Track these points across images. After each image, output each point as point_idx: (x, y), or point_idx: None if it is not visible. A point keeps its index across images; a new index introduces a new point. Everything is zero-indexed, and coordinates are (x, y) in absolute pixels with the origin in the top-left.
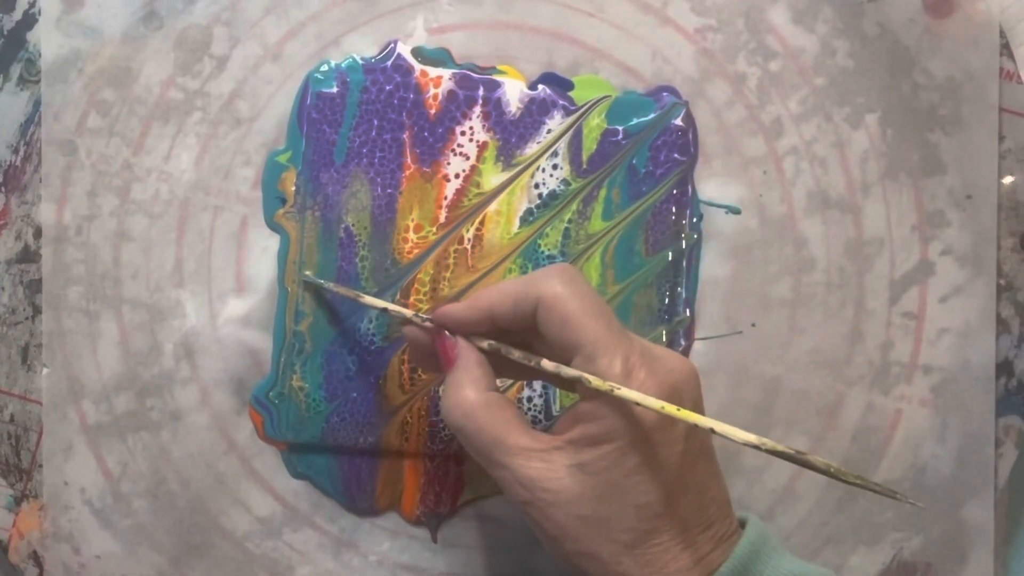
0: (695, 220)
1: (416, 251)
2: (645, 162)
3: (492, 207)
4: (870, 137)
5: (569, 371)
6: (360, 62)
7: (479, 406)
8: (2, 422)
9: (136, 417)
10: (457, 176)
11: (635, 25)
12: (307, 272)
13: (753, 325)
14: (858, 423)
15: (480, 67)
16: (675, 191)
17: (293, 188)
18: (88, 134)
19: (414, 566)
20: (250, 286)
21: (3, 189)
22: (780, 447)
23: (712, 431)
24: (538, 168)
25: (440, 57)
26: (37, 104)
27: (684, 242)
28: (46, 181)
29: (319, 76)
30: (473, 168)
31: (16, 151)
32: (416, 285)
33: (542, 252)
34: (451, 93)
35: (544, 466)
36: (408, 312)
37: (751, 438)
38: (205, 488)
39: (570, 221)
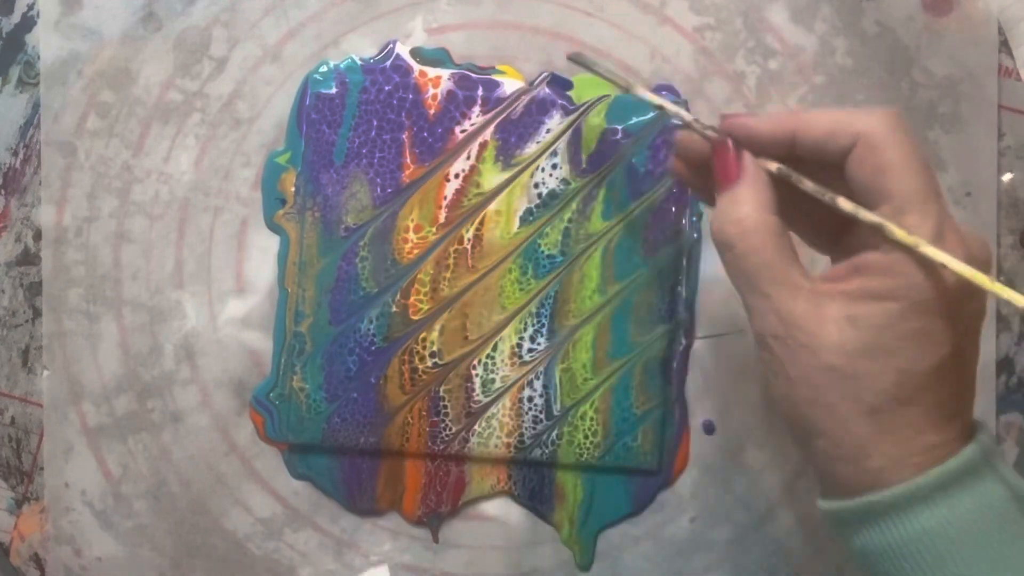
0: (694, 219)
1: (416, 251)
2: (644, 161)
3: (492, 207)
4: None
5: (870, 215)
6: (359, 63)
7: (759, 226)
8: (3, 424)
9: (137, 418)
10: (457, 176)
11: (634, 24)
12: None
13: None
14: None
15: (479, 67)
16: (674, 190)
17: (293, 189)
18: (87, 136)
19: (415, 566)
20: (250, 287)
21: (3, 191)
22: None
23: None
24: (538, 168)
25: (439, 57)
26: (36, 106)
27: (684, 241)
28: (46, 183)
29: (318, 77)
30: (473, 168)
31: (15, 153)
32: (416, 285)
33: (542, 252)
34: (450, 93)
35: (811, 307)
36: (688, 116)
37: None
38: (206, 489)
39: (570, 220)
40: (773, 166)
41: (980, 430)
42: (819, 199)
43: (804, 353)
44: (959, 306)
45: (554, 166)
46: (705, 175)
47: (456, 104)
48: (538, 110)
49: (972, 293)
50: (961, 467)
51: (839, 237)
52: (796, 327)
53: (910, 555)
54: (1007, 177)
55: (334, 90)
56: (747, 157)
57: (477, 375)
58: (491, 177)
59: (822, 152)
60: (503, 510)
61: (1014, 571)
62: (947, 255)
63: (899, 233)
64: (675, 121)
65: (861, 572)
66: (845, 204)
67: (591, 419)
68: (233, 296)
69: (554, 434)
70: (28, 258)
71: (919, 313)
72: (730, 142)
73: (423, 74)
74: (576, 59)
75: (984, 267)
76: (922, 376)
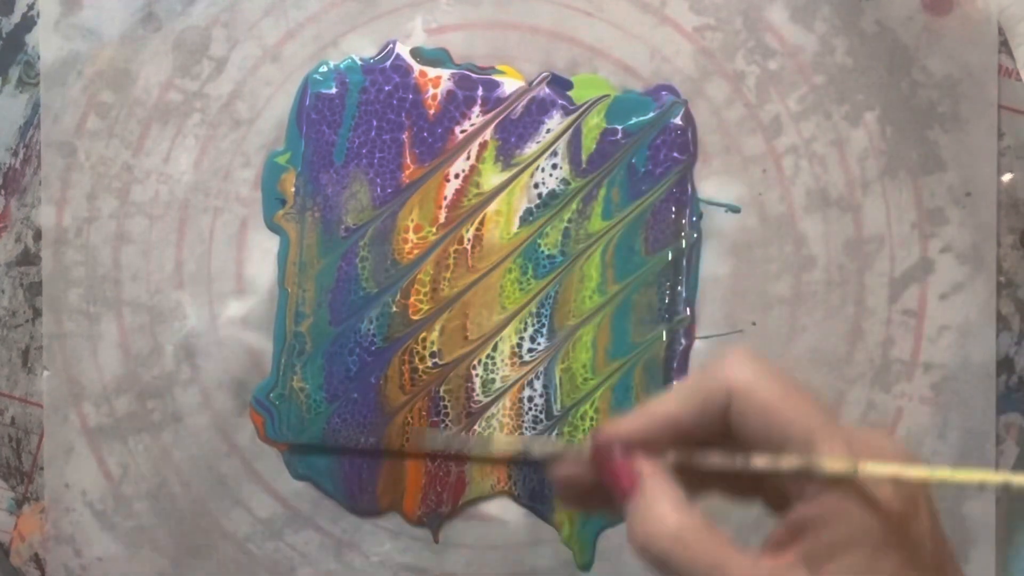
0: (695, 219)
1: (416, 251)
2: (644, 161)
3: (492, 207)
4: (869, 135)
5: (792, 460)
6: (359, 63)
7: (690, 530)
8: (3, 425)
9: (137, 419)
10: (457, 176)
11: (634, 24)
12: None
13: (753, 324)
14: (859, 421)
15: (479, 67)
16: (674, 190)
17: (293, 189)
18: (87, 136)
19: (416, 566)
20: (250, 287)
21: (3, 192)
22: None
23: (1008, 486)
24: (537, 168)
25: (439, 57)
26: (36, 106)
27: (684, 241)
28: (45, 183)
29: (318, 77)
30: (473, 168)
31: (15, 154)
32: (416, 285)
33: (542, 252)
34: (450, 93)
35: None
36: (560, 446)
37: None
38: (206, 489)
39: (570, 221)
40: (669, 457)
41: None
42: (731, 468)
43: None
44: (920, 515)
45: (554, 166)
46: (598, 496)
47: (456, 104)
48: (538, 110)
49: (922, 499)
50: None
51: (753, 486)
52: None
53: None
54: (1007, 177)
55: (334, 90)
56: (640, 460)
57: (477, 375)
58: (491, 177)
59: (706, 426)
60: (503, 510)
61: None
62: (893, 466)
63: (834, 464)
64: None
65: None
66: (760, 461)
67: (591, 419)
68: (233, 296)
69: (554, 434)
70: (28, 258)
71: (890, 549)
72: (615, 450)
73: (423, 74)
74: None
75: (904, 453)
76: None
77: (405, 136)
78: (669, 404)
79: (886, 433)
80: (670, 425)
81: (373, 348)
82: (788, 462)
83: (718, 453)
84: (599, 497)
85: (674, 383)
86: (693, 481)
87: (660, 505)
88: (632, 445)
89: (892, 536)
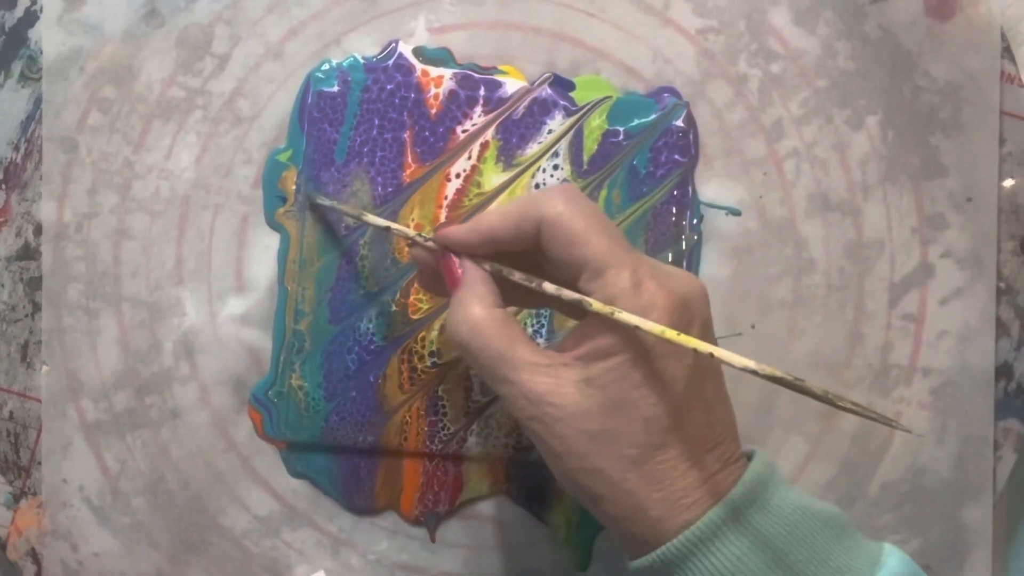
0: (695, 221)
1: None
2: (646, 163)
3: (492, 207)
4: (871, 139)
5: (570, 294)
6: (361, 61)
7: (486, 321)
8: (1, 419)
9: (135, 415)
10: (458, 176)
11: (636, 26)
12: (319, 196)
13: (753, 327)
14: (857, 425)
15: (481, 67)
16: (675, 192)
17: (294, 187)
18: (89, 132)
19: (412, 565)
20: (250, 285)
21: (4, 186)
22: (777, 372)
23: (711, 356)
24: (539, 168)
25: (441, 57)
26: (38, 101)
27: (684, 243)
28: (47, 178)
29: (320, 75)
30: (474, 168)
31: (17, 148)
32: (416, 284)
33: None
34: (452, 93)
35: (551, 381)
36: (412, 232)
37: (749, 363)
38: (204, 486)
39: None
40: (487, 265)
41: (753, 453)
42: (527, 285)
43: (561, 426)
44: (677, 347)
45: (555, 167)
46: (440, 285)
47: (458, 104)
48: (540, 111)
49: (688, 331)
50: (725, 513)
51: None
52: (545, 403)
53: None
54: (1008, 183)
55: (336, 88)
56: (465, 262)
57: (476, 375)
58: (492, 177)
59: (521, 241)
60: (501, 510)
61: None
62: (636, 317)
63: (596, 305)
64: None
65: None
66: (548, 287)
67: None
68: (233, 294)
69: None
70: (28, 253)
71: (642, 361)
72: (450, 252)
73: (425, 73)
74: (317, 201)
75: (688, 306)
76: (666, 418)
77: (407, 135)
78: (492, 219)
79: (690, 275)
80: (491, 238)
81: (372, 347)
82: (567, 295)
83: (521, 273)
84: (442, 285)
85: (504, 205)
86: (511, 295)
87: (470, 300)
88: (460, 248)
89: (649, 354)
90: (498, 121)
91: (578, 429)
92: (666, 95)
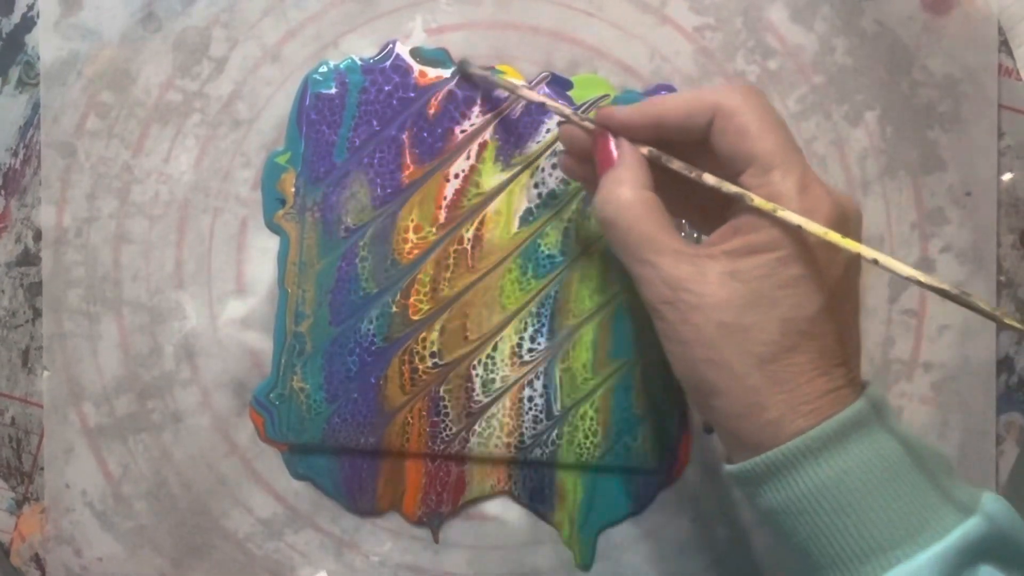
0: None
1: (416, 251)
2: None
3: (492, 207)
4: (869, 135)
5: (731, 187)
6: (359, 63)
7: (637, 202)
8: (3, 425)
9: (137, 419)
10: (456, 176)
11: (634, 24)
12: (470, 65)
13: None
14: None
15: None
16: None
17: (292, 189)
18: (87, 136)
19: (416, 566)
20: (250, 287)
21: (3, 192)
22: (944, 285)
23: (875, 262)
24: (538, 168)
25: (439, 57)
26: (36, 107)
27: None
28: (45, 184)
29: (318, 77)
30: (472, 168)
31: (15, 154)
32: (416, 285)
33: (542, 252)
34: (450, 93)
35: (694, 269)
36: (567, 110)
37: (914, 273)
38: (206, 490)
39: (570, 220)
40: (645, 149)
41: (870, 384)
42: (688, 177)
43: (694, 314)
44: (832, 254)
45: (554, 166)
46: (591, 168)
47: (456, 104)
48: (538, 110)
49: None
50: (851, 419)
51: (725, 216)
52: (683, 289)
53: (811, 509)
54: (1007, 177)
55: (334, 90)
56: (623, 143)
57: (477, 375)
58: (491, 177)
59: (687, 131)
60: (503, 510)
61: (905, 520)
62: (802, 218)
63: (758, 201)
64: (559, 117)
65: (772, 536)
66: (709, 178)
67: (591, 419)
68: (233, 297)
69: (554, 434)
70: (28, 258)
71: (794, 261)
72: (607, 132)
73: (423, 74)
74: (463, 67)
75: (847, 220)
76: (804, 322)
77: (405, 136)
78: (662, 104)
79: (845, 195)
80: (657, 122)
81: (373, 348)
82: (728, 187)
83: (680, 162)
84: (590, 169)
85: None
86: (674, 196)
87: (623, 179)
88: (620, 129)
89: (803, 256)
90: (496, 121)
91: (711, 319)
92: (664, 93)
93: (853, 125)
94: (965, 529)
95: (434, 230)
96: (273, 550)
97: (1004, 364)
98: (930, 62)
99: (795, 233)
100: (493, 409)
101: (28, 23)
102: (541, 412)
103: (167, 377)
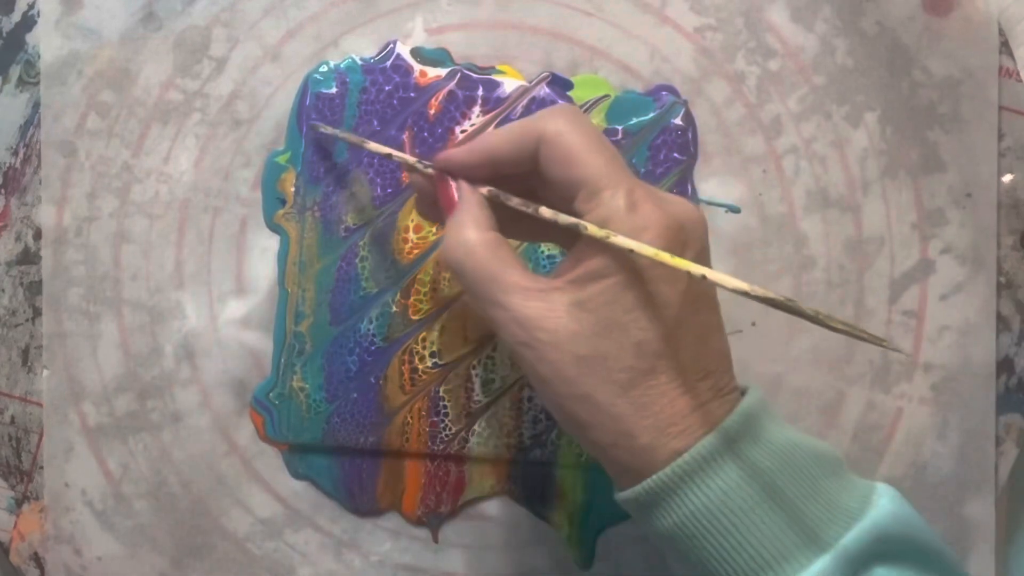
0: None
1: (416, 251)
2: (645, 161)
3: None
4: (869, 135)
5: (566, 218)
6: (359, 62)
7: (479, 244)
8: (3, 424)
9: (137, 418)
10: None
11: (634, 24)
12: (320, 125)
13: (753, 324)
14: (859, 421)
15: (479, 67)
16: (675, 190)
17: (293, 189)
18: (87, 136)
19: (415, 566)
20: (250, 287)
21: (3, 191)
22: (770, 293)
23: (704, 278)
24: None
25: (439, 57)
26: (36, 106)
27: None
28: (46, 183)
29: (318, 77)
30: None
31: (16, 153)
32: (416, 285)
33: (542, 252)
34: (450, 93)
35: (542, 305)
36: (411, 159)
37: (741, 285)
38: (206, 489)
39: None
40: (485, 189)
41: (749, 389)
42: (526, 212)
43: (550, 351)
44: (670, 271)
45: None
46: (437, 211)
47: (456, 104)
48: (538, 110)
49: (683, 256)
50: (714, 443)
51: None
52: (535, 327)
53: (698, 533)
54: (1007, 178)
55: (334, 90)
56: (463, 185)
57: (477, 375)
58: None
59: (519, 163)
60: (503, 510)
61: (789, 536)
62: (632, 242)
63: (591, 229)
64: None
65: (672, 559)
66: (545, 212)
67: None
68: (233, 296)
69: (554, 434)
70: (28, 257)
71: (635, 284)
72: (447, 176)
73: (423, 74)
74: (313, 129)
75: (682, 230)
76: (656, 343)
77: (405, 136)
78: (493, 140)
79: (688, 203)
80: (489, 159)
81: (373, 348)
82: (563, 219)
83: (518, 199)
84: (439, 211)
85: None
86: (509, 225)
87: (465, 222)
88: (460, 171)
89: (641, 277)
90: (496, 121)
91: (567, 353)
92: (664, 93)
93: (853, 126)
94: (855, 534)
95: (434, 230)
96: (273, 550)
97: (1004, 365)
98: (930, 63)
99: (628, 257)
100: (493, 409)
101: (29, 22)
102: (541, 412)
103: (167, 377)
